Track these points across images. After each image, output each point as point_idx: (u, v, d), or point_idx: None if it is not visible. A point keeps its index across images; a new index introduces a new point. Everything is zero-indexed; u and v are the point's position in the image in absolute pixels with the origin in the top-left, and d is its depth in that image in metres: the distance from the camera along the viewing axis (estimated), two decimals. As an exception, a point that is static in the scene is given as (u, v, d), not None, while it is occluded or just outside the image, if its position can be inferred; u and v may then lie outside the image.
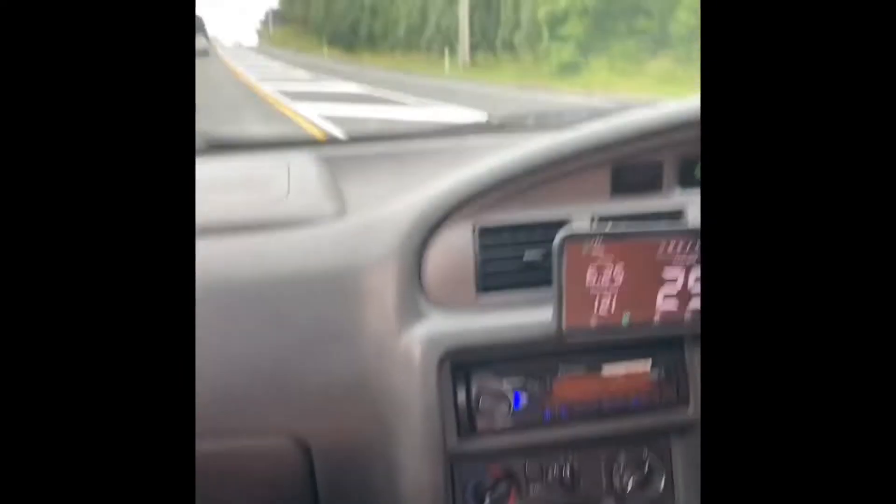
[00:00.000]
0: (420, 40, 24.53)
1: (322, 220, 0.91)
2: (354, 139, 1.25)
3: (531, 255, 0.87)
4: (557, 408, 0.86)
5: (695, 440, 0.91)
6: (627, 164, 0.89)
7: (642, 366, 0.88)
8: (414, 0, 25.94)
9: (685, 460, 0.93)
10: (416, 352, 0.82)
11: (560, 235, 0.77)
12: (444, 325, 0.83)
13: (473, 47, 19.87)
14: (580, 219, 0.89)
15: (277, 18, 53.47)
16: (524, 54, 17.33)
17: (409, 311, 0.84)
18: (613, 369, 0.87)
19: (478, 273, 0.86)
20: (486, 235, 0.87)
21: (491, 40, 19.42)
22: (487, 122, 1.30)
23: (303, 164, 1.07)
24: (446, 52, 20.08)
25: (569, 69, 14.91)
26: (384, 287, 0.84)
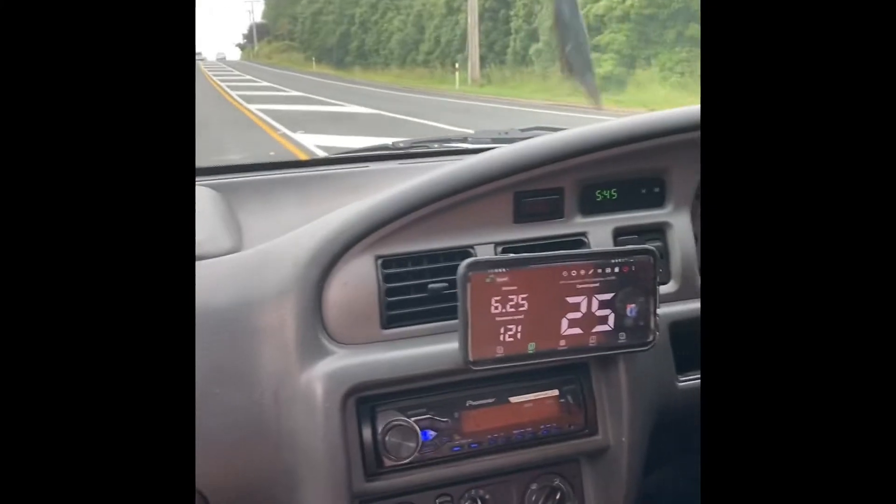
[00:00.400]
0: (416, 54, 23.14)
1: (214, 254, 0.86)
2: (255, 166, 1.21)
3: (435, 285, 0.85)
4: (467, 440, 0.84)
5: (605, 464, 0.91)
6: (529, 191, 0.89)
7: (550, 393, 0.87)
8: (408, 11, 24.68)
9: (596, 485, 0.93)
10: (318, 390, 0.78)
11: (464, 265, 0.76)
12: (347, 360, 0.80)
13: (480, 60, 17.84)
14: (484, 247, 0.88)
15: (262, 33, 51.20)
16: (544, 67, 15.33)
17: (310, 347, 0.80)
18: (521, 398, 0.86)
19: (381, 305, 0.84)
20: (389, 266, 0.85)
21: (499, 52, 18.01)
22: (393, 146, 1.28)
23: (196, 194, 1.02)
24: (456, 65, 18.55)
25: (610, 82, 13.16)
26: (282, 324, 0.80)
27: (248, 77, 23.82)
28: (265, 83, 20.51)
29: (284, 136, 7.91)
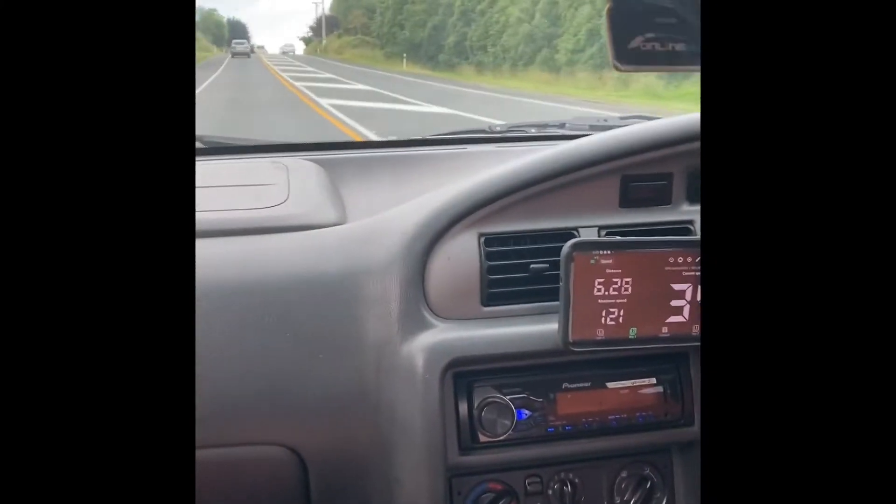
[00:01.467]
0: (553, 52, 18.15)
1: (323, 225, 0.89)
2: (354, 144, 1.23)
3: (537, 265, 0.85)
4: (560, 422, 0.84)
5: (697, 457, 0.89)
6: (636, 176, 0.88)
7: (647, 381, 0.86)
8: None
9: (686, 477, 0.92)
10: (419, 362, 0.80)
11: (568, 244, 0.76)
12: (448, 334, 0.81)
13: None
14: (588, 230, 0.87)
15: (332, 26, 49.38)
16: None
17: (412, 319, 0.81)
18: (618, 384, 0.85)
19: (483, 282, 0.84)
20: (492, 244, 0.85)
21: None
22: (489, 130, 1.29)
23: (301, 168, 1.05)
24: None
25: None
26: (387, 294, 0.82)
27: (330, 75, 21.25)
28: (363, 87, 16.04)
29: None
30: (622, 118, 1.29)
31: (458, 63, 24.19)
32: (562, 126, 1.29)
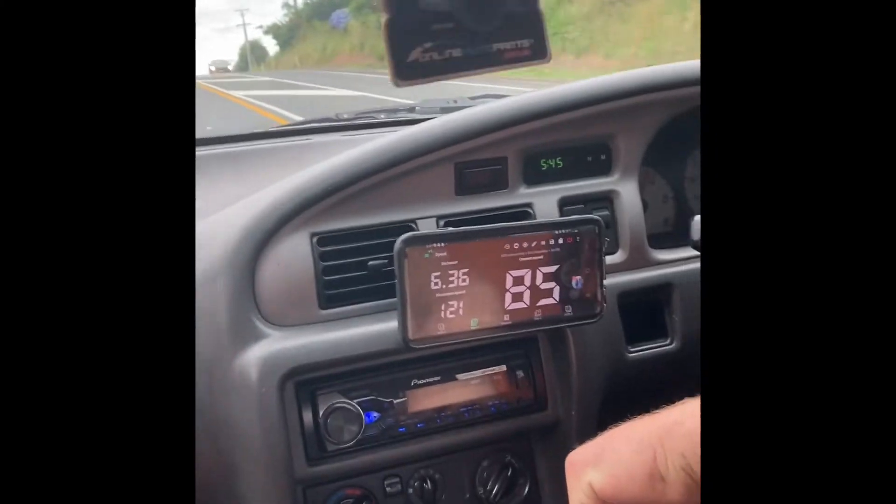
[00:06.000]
0: None
1: None
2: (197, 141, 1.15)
3: (375, 262, 0.81)
4: (412, 420, 0.81)
5: (556, 440, 0.89)
6: (470, 162, 0.85)
7: (497, 369, 0.84)
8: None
9: (548, 461, 0.91)
10: (253, 375, 0.75)
11: (400, 240, 0.73)
12: (283, 343, 0.77)
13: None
14: (426, 221, 0.84)
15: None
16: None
17: (243, 331, 0.76)
18: (468, 375, 0.83)
19: (318, 285, 0.80)
20: (326, 244, 0.81)
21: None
22: (336, 118, 1.24)
23: None
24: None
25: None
26: (213, 307, 0.76)
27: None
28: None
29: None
30: (472, 98, 1.27)
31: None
32: (412, 111, 1.26)
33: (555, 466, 0.90)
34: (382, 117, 1.22)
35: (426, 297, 0.74)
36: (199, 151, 1.08)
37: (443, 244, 0.74)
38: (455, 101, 1.26)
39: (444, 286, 0.75)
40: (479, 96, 1.28)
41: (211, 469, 0.77)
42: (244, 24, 42.39)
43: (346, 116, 1.24)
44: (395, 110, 1.27)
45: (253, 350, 0.76)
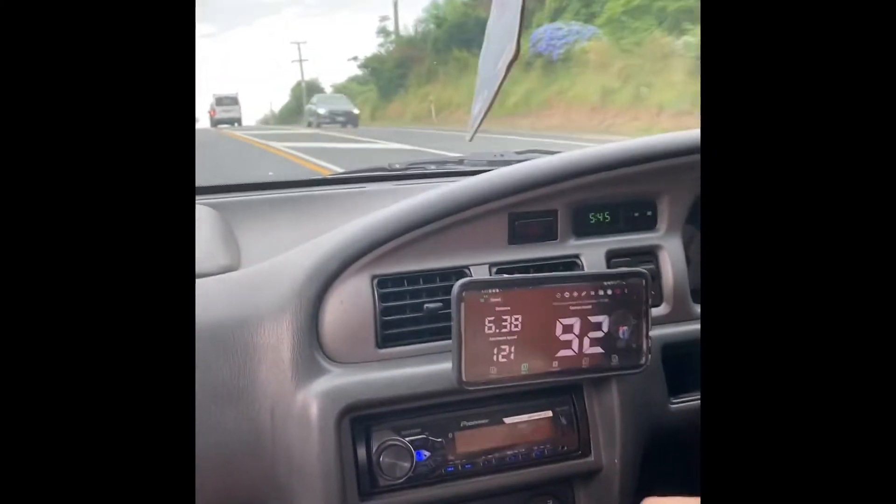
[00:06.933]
0: None
1: (211, 273, 0.87)
2: (252, 186, 1.22)
3: (431, 305, 0.85)
4: (460, 461, 0.84)
5: (598, 486, 0.91)
6: (523, 213, 0.90)
7: (544, 414, 0.87)
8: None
9: None
10: (314, 409, 0.79)
11: (458, 284, 0.77)
12: (343, 379, 0.81)
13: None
14: (479, 267, 0.89)
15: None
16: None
17: (306, 366, 0.81)
18: (515, 419, 0.86)
19: (377, 325, 0.84)
20: (385, 286, 0.85)
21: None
22: (389, 168, 1.30)
23: (195, 213, 1.03)
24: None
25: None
26: (278, 342, 0.81)
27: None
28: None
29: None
30: (518, 153, 1.32)
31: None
32: (460, 162, 1.31)
33: (596, 513, 0.92)
34: (433, 168, 1.28)
35: (480, 340, 0.78)
36: (261, 195, 1.15)
37: (498, 290, 0.78)
38: (502, 155, 1.32)
39: (497, 330, 0.78)
40: (525, 150, 1.34)
41: (268, 496, 0.81)
42: (300, 60, 36.19)
43: (398, 166, 1.30)
44: (444, 162, 1.32)
45: (314, 385, 0.79)
